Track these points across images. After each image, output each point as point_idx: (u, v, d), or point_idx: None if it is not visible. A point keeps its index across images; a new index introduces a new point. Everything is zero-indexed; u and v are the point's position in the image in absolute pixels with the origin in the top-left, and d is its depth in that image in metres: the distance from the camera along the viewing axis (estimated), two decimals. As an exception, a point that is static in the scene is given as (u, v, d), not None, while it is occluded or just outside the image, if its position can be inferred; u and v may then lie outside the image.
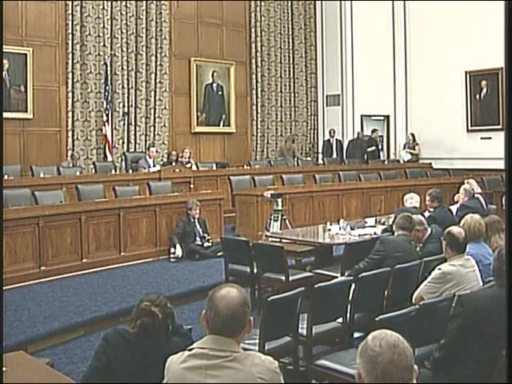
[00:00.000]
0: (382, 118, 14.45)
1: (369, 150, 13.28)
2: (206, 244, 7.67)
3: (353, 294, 4.13)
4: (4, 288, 5.33)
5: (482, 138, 12.64)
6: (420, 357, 3.22)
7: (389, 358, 1.65)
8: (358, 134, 13.50)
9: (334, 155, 13.32)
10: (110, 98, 10.82)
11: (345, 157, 13.24)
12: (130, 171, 9.88)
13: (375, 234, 6.27)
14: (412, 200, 6.71)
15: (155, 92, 11.79)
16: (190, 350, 2.09)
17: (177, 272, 6.87)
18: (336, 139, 13.50)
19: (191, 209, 7.70)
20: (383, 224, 6.76)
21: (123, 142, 11.29)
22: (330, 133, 13.62)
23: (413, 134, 13.63)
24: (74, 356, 4.54)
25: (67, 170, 9.47)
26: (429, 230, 5.16)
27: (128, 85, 11.40)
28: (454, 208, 7.14)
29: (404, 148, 13.74)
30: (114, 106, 11.08)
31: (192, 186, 9.56)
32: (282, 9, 13.97)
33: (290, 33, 14.15)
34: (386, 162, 13.36)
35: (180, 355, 2.11)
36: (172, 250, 7.51)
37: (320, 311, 3.88)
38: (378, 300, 4.36)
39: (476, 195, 7.48)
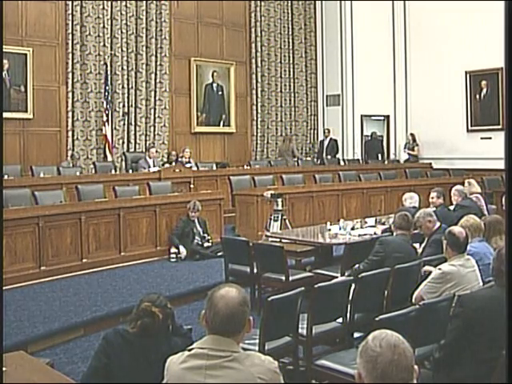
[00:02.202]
0: (382, 118, 14.45)
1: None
2: (205, 244, 7.67)
3: (353, 294, 4.13)
4: (4, 288, 5.33)
5: (482, 138, 12.64)
6: (420, 357, 3.22)
7: (389, 358, 1.65)
8: (372, 134, 13.68)
9: (324, 155, 13.31)
10: (109, 98, 10.82)
11: (363, 157, 13.47)
12: (130, 171, 9.88)
13: (375, 233, 6.26)
14: (411, 200, 6.72)
15: (155, 92, 11.79)
16: (190, 350, 2.09)
17: (177, 272, 6.87)
18: (331, 138, 13.46)
19: (191, 210, 7.70)
20: (383, 224, 6.76)
21: (123, 142, 11.29)
22: (324, 132, 13.63)
23: (412, 135, 13.64)
24: (74, 356, 4.54)
25: (67, 169, 9.47)
26: (438, 223, 5.18)
27: (128, 85, 11.40)
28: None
29: (404, 148, 13.77)
30: (114, 105, 11.08)
31: (192, 185, 9.56)
32: (282, 9, 13.97)
33: (290, 33, 14.15)
34: (385, 162, 13.37)
35: (180, 355, 2.11)
36: (173, 250, 7.50)
37: (320, 311, 3.88)
38: (378, 300, 4.36)
39: (471, 196, 7.50)
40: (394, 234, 5.09)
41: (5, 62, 9.85)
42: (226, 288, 2.11)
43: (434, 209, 6.40)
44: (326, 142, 13.44)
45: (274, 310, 3.65)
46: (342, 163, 12.85)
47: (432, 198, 6.81)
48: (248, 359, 2.04)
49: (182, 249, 7.51)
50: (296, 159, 12.53)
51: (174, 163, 10.80)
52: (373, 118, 14.40)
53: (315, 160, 13.44)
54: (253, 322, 2.14)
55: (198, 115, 12.60)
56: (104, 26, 11.02)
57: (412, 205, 6.63)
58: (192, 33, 12.60)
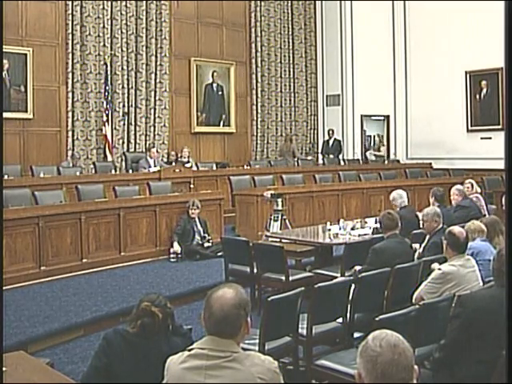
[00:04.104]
0: (382, 117, 14.45)
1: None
2: (206, 244, 7.68)
3: (353, 294, 4.13)
4: (4, 288, 5.33)
5: (482, 138, 12.64)
6: (420, 357, 3.22)
7: (389, 358, 1.65)
8: None
9: (331, 156, 13.32)
10: (110, 98, 10.82)
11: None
12: (130, 171, 9.88)
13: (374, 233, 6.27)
14: (402, 198, 6.63)
15: (155, 92, 11.79)
16: (190, 350, 2.09)
17: (177, 272, 6.87)
18: (335, 139, 13.49)
19: (190, 207, 7.72)
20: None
21: (123, 142, 11.29)
22: (328, 133, 13.64)
23: (379, 135, 13.59)
24: (74, 356, 4.54)
25: (67, 169, 9.46)
26: (441, 224, 5.14)
27: (128, 85, 11.40)
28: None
29: (370, 149, 13.71)
30: (114, 105, 11.08)
31: (192, 186, 9.55)
32: (281, 9, 13.97)
33: (290, 33, 14.14)
34: (386, 162, 13.36)
35: (180, 355, 2.11)
36: (173, 250, 7.50)
37: (320, 311, 3.88)
38: (378, 300, 4.35)
39: (471, 196, 7.50)
40: (385, 236, 5.01)
41: (5, 62, 9.84)
42: (224, 289, 2.09)
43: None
44: (330, 142, 13.47)
45: (274, 310, 3.65)
46: (342, 163, 12.84)
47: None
48: (248, 359, 2.03)
49: (176, 247, 7.50)
50: (296, 159, 12.53)
51: (173, 163, 10.81)
52: (373, 117, 14.40)
53: (317, 160, 13.45)
54: (251, 323, 2.11)
55: (198, 115, 12.60)
56: (104, 26, 11.01)
57: (403, 204, 6.60)
58: (192, 33, 12.59)
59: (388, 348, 1.67)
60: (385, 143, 13.56)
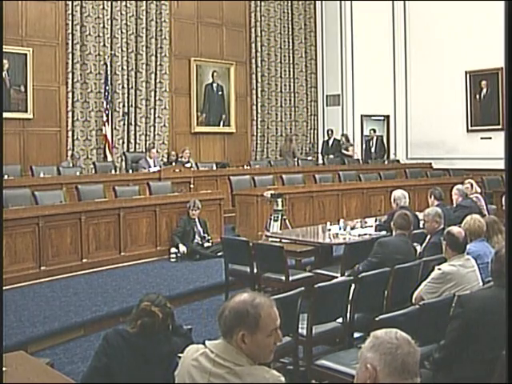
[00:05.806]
0: (382, 118, 14.45)
1: None
2: (206, 244, 7.68)
3: (353, 294, 4.13)
4: (4, 288, 5.33)
5: (482, 138, 12.63)
6: (420, 357, 3.21)
7: (407, 349, 1.72)
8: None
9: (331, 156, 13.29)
10: (110, 98, 10.82)
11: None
12: (130, 171, 9.88)
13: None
14: (405, 199, 6.61)
15: (155, 92, 11.79)
16: (205, 346, 2.08)
17: (177, 272, 6.87)
18: (334, 139, 13.47)
19: (190, 208, 7.72)
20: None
21: (123, 142, 11.29)
22: (327, 133, 13.62)
23: (345, 135, 13.49)
24: (74, 356, 4.54)
25: (67, 169, 9.47)
26: (442, 225, 5.15)
27: (128, 85, 11.40)
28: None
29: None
30: (114, 106, 11.08)
31: (192, 185, 9.56)
32: (281, 9, 13.97)
33: (290, 33, 14.15)
34: (386, 162, 13.36)
35: (196, 349, 2.11)
36: (173, 250, 7.50)
37: (320, 311, 3.88)
38: (378, 300, 4.35)
39: (471, 196, 7.49)
40: (394, 233, 5.09)
41: (5, 62, 9.84)
42: (245, 293, 2.06)
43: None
44: (330, 142, 13.45)
45: (274, 310, 3.64)
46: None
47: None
48: (251, 376, 1.97)
49: (182, 247, 7.51)
50: (296, 159, 12.52)
51: (173, 163, 10.81)
52: (373, 117, 14.40)
53: (316, 160, 13.43)
54: (249, 340, 1.99)
55: (198, 115, 12.60)
56: (104, 26, 11.01)
57: (406, 204, 6.60)
58: (192, 33, 12.60)
59: (404, 341, 1.74)
60: (354, 143, 13.47)
